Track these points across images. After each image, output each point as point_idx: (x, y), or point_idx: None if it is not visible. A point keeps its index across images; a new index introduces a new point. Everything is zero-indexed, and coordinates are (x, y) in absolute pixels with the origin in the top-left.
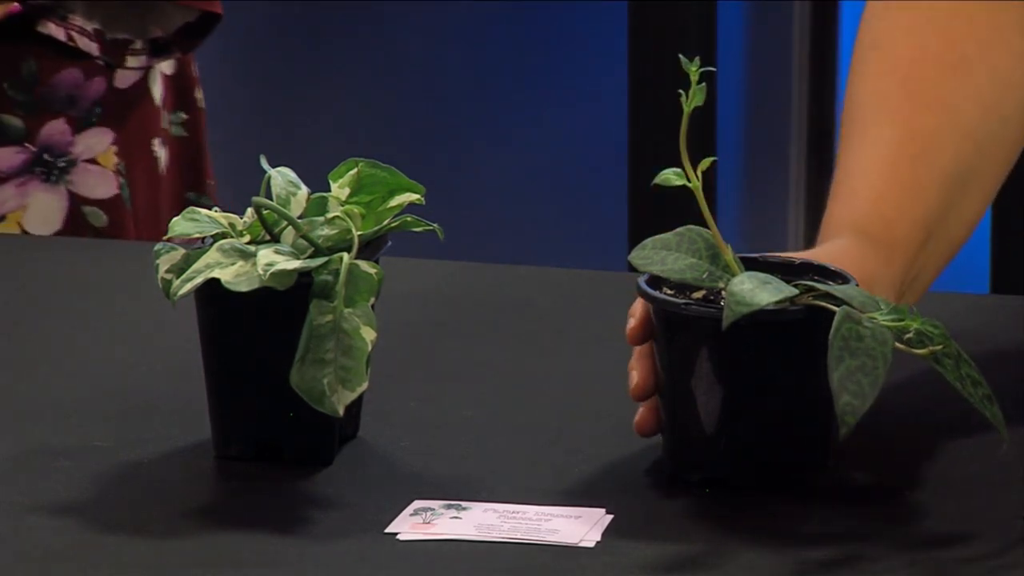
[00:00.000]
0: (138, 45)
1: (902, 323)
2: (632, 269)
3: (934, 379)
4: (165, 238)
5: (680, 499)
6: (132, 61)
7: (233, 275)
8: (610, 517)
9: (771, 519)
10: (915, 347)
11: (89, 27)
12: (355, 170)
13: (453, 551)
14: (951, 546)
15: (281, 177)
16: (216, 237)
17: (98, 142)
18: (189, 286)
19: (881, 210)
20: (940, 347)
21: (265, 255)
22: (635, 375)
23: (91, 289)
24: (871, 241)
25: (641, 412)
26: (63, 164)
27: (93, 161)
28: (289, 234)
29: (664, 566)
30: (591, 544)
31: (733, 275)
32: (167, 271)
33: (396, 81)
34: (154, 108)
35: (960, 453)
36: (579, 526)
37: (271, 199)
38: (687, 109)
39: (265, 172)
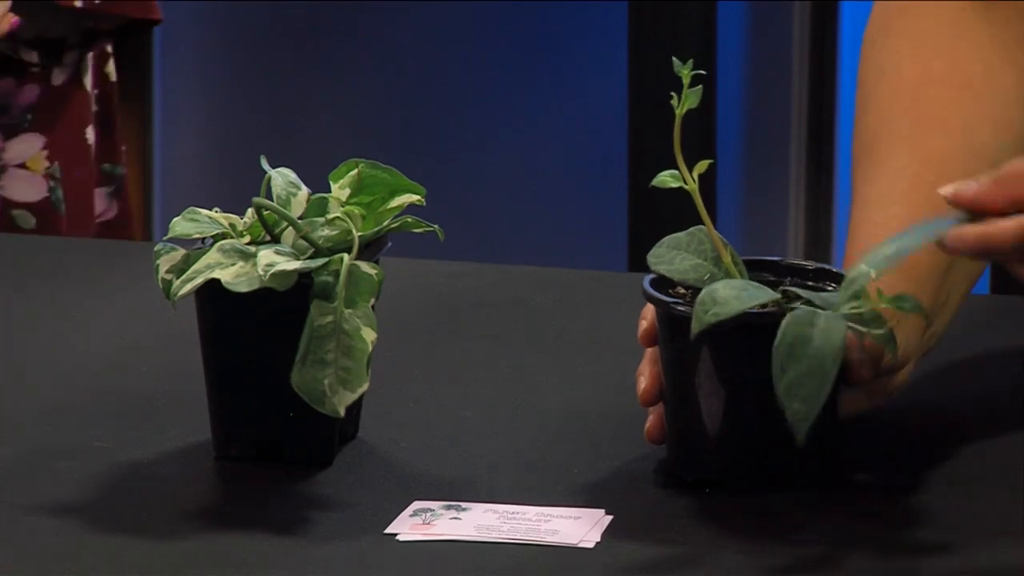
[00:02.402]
0: (73, 40)
1: (864, 308)
2: (632, 269)
3: (933, 382)
4: (165, 238)
5: (680, 499)
6: (68, 57)
7: (233, 276)
8: (610, 517)
9: (771, 520)
10: (870, 328)
11: (30, 36)
12: (355, 171)
13: (453, 552)
14: (951, 548)
15: (281, 178)
16: (216, 237)
17: (28, 148)
18: (189, 286)
19: None
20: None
21: (265, 256)
22: (643, 380)
23: (90, 289)
24: (897, 273)
25: (651, 420)
26: None
27: (23, 166)
28: (289, 235)
29: (664, 566)
30: (591, 544)
31: (731, 277)
32: (167, 271)
33: (396, 81)
34: (86, 96)
35: (960, 454)
36: (579, 526)
37: (271, 200)
38: (679, 112)
39: (265, 172)
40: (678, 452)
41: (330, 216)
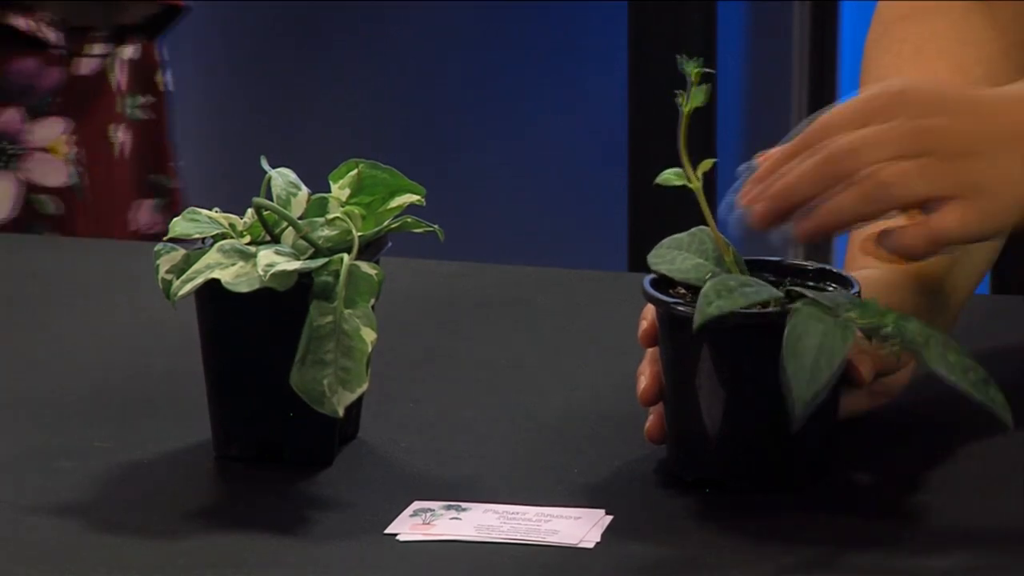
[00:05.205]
0: (100, 32)
1: (875, 320)
2: (632, 269)
3: (934, 381)
4: (166, 238)
5: (680, 499)
6: (93, 49)
7: (233, 276)
8: (610, 517)
9: (771, 519)
10: (887, 342)
11: (52, 17)
12: (355, 171)
13: (453, 552)
14: (951, 547)
15: (281, 178)
16: (216, 238)
17: (51, 131)
18: (189, 287)
19: None
20: (899, 343)
21: (265, 256)
22: (643, 380)
23: (91, 289)
24: (898, 270)
25: (651, 419)
26: (15, 152)
27: (45, 150)
28: (289, 235)
29: (664, 566)
30: (591, 545)
31: (740, 275)
32: (167, 271)
33: (396, 81)
34: (111, 94)
35: (960, 453)
36: (579, 527)
37: (271, 200)
38: (686, 110)
39: (265, 172)
40: (678, 452)
41: (330, 216)
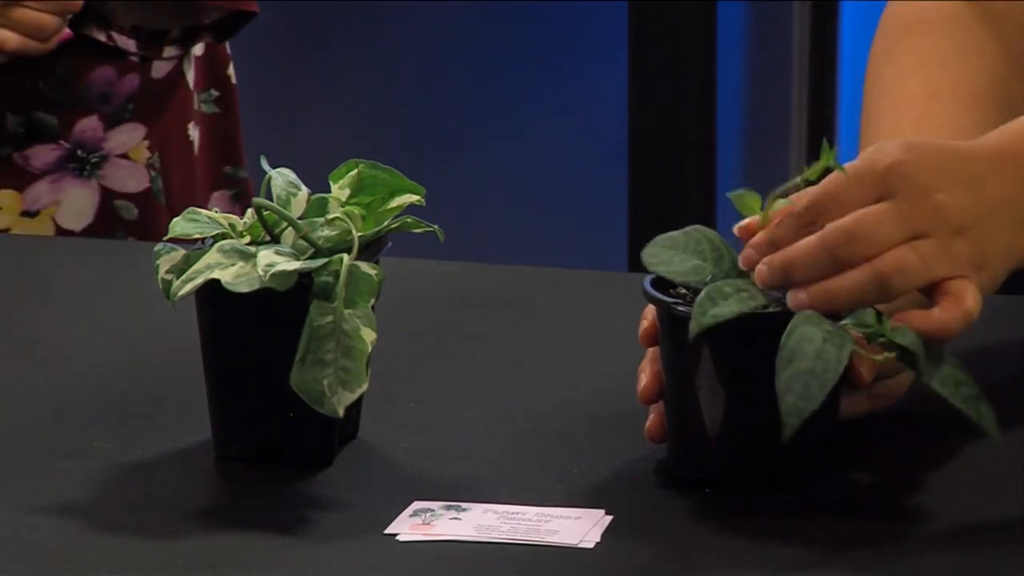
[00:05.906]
0: (174, 34)
1: (871, 329)
2: (632, 269)
3: None
4: (165, 239)
5: (680, 499)
6: (168, 51)
7: (233, 276)
8: (610, 518)
9: (771, 519)
10: (883, 352)
11: (127, 24)
12: (355, 171)
13: (453, 552)
14: (951, 547)
15: (281, 178)
16: (216, 238)
17: (130, 137)
18: (189, 287)
19: None
20: (896, 354)
21: (265, 256)
22: (643, 378)
23: (91, 289)
24: None
25: (652, 418)
26: (95, 159)
27: (125, 156)
28: (289, 235)
29: (664, 566)
30: (591, 545)
31: (737, 279)
32: (167, 271)
33: (396, 81)
34: (188, 93)
35: (960, 453)
36: (579, 527)
37: (271, 200)
38: (807, 176)
39: (265, 173)
40: (678, 452)
41: (330, 216)
